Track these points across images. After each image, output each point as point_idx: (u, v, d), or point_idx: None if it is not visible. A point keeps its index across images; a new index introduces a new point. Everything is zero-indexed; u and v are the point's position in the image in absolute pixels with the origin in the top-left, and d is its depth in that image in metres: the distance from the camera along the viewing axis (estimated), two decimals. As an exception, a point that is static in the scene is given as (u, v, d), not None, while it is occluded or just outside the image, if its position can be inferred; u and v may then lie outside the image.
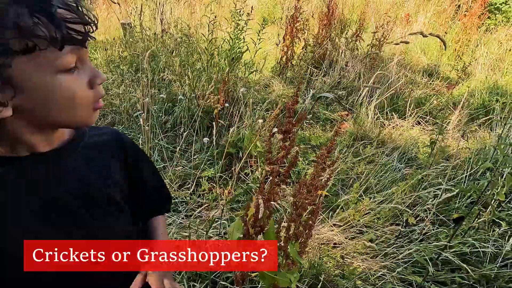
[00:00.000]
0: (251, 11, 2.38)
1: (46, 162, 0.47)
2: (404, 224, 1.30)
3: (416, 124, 2.54)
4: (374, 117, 2.48)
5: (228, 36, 2.34)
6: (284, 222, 0.71)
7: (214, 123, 2.04)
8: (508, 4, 5.48)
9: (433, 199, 1.37)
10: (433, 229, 1.36)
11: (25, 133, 0.44)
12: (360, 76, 3.27)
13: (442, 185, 1.35)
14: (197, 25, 3.83)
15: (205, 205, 1.70)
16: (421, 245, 1.18)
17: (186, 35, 3.39)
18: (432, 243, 1.18)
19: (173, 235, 1.46)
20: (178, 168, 1.79)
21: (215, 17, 2.51)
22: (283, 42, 3.54)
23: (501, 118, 2.21)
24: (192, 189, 1.77)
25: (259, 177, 1.79)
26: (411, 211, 1.41)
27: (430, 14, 5.21)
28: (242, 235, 0.69)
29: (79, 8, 0.42)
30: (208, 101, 2.53)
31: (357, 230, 1.46)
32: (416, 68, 3.81)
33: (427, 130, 2.47)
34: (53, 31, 0.38)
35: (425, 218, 1.40)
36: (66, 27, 0.39)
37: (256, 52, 2.61)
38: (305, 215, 0.59)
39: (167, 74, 3.01)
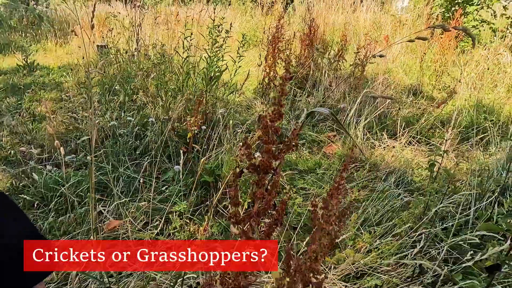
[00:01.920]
0: (230, 28, 2.24)
1: None
2: (417, 271, 1.07)
3: (407, 144, 2.40)
4: (363, 138, 2.32)
5: (206, 53, 2.16)
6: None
7: (188, 148, 1.80)
8: (478, 28, 5.74)
9: (444, 231, 1.17)
10: (448, 269, 1.14)
11: None
12: (345, 96, 3.16)
13: (456, 215, 1.15)
14: (176, 47, 3.69)
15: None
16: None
17: (163, 55, 3.22)
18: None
19: (132, 291, 1.16)
20: (143, 203, 1.50)
21: (191, 34, 2.34)
22: (265, 63, 3.43)
23: (493, 136, 2.10)
24: (160, 228, 1.48)
25: (241, 210, 1.53)
26: (418, 248, 1.19)
27: (407, 36, 5.34)
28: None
29: None
30: (184, 124, 2.30)
31: (358, 273, 1.21)
32: (400, 88, 3.78)
33: (420, 151, 2.32)
34: None
35: (437, 256, 1.18)
36: None
37: (236, 71, 2.44)
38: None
39: (140, 96, 2.78)
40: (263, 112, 2.72)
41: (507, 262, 0.74)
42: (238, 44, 2.47)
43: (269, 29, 3.51)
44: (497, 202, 1.38)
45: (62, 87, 3.91)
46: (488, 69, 3.60)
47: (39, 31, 7.67)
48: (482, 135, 2.28)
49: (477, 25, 5.72)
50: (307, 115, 0.68)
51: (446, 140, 1.40)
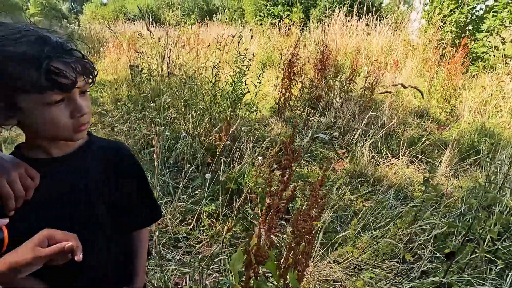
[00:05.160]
0: (253, 57, 2.60)
1: (48, 165, 0.62)
2: (401, 261, 1.32)
3: (410, 163, 2.63)
4: (369, 155, 2.58)
5: (231, 79, 2.53)
6: (283, 257, 0.75)
7: (215, 159, 2.12)
8: (488, 53, 5.94)
9: (426, 234, 1.40)
10: (431, 267, 1.37)
11: (37, 140, 0.61)
12: (354, 117, 3.43)
13: (436, 222, 1.39)
14: (201, 68, 4.11)
15: (205, 241, 1.70)
16: (416, 281, 1.19)
17: (190, 77, 3.62)
18: (428, 279, 1.19)
19: (173, 272, 1.46)
20: (180, 203, 1.82)
21: (219, 61, 2.72)
22: (281, 84, 3.78)
23: (489, 158, 2.31)
24: (192, 225, 1.79)
25: (259, 213, 1.82)
26: (407, 248, 1.43)
27: (417, 60, 5.60)
28: (243, 267, 0.73)
29: (74, 65, 0.56)
30: (210, 138, 2.64)
31: (355, 266, 1.46)
32: (408, 109, 4.01)
33: (421, 169, 2.55)
34: (40, 82, 0.53)
35: (423, 255, 1.41)
36: (52, 80, 0.53)
37: (256, 94, 2.78)
38: (303, 245, 0.64)
39: (171, 112, 3.16)
40: (283, 131, 3.02)
41: (462, 252, 0.98)
42: (258, 67, 2.82)
43: (286, 54, 3.87)
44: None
45: (98, 102, 4.38)
46: (491, 95, 3.80)
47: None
48: (479, 156, 2.49)
49: (486, 51, 5.93)
50: (313, 139, 0.95)
51: (437, 160, 1.65)
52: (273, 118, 3.59)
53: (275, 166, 1.99)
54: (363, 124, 2.69)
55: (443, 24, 6.09)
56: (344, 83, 4.13)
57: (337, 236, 1.51)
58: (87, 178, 0.67)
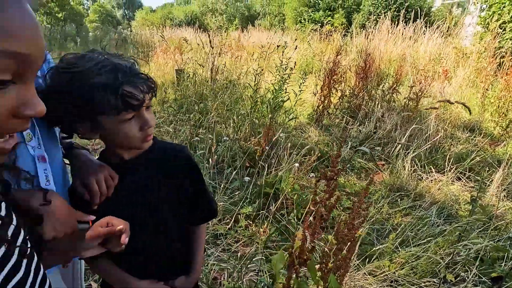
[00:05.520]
0: (294, 66, 2.66)
1: (121, 168, 0.75)
2: (441, 280, 1.28)
3: (456, 180, 2.49)
4: (410, 169, 2.49)
5: (272, 87, 2.61)
6: (323, 262, 0.80)
7: (254, 163, 2.20)
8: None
9: (472, 256, 1.34)
10: (476, 291, 1.31)
11: (114, 149, 0.75)
12: (396, 128, 3.32)
13: (483, 244, 1.32)
14: (241, 74, 4.26)
15: (242, 241, 1.79)
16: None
17: (231, 82, 3.78)
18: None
19: (212, 267, 1.57)
20: (220, 203, 1.94)
21: (262, 70, 2.83)
22: (321, 92, 3.78)
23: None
24: (230, 224, 1.89)
25: (295, 218, 1.87)
26: (450, 269, 1.38)
27: (470, 70, 5.22)
28: (285, 267, 0.79)
29: (142, 86, 0.67)
30: (249, 143, 2.75)
31: (392, 280, 1.44)
32: (457, 122, 3.77)
33: (468, 187, 2.40)
34: (117, 105, 0.65)
35: (467, 278, 1.35)
36: (125, 102, 0.65)
37: (296, 102, 2.84)
38: (344, 251, 0.69)
39: (213, 116, 3.34)
40: (320, 139, 3.03)
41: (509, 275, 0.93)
42: (298, 74, 2.87)
43: (327, 62, 3.86)
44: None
45: (147, 103, 4.73)
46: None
47: (128, 53, 9.17)
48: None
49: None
50: (354, 152, 0.98)
51: (488, 178, 1.57)
52: (310, 126, 3.61)
53: (312, 174, 2.03)
54: (405, 136, 2.61)
55: (502, 31, 5.60)
56: (387, 92, 4.01)
57: (374, 249, 1.50)
58: (149, 178, 0.78)
